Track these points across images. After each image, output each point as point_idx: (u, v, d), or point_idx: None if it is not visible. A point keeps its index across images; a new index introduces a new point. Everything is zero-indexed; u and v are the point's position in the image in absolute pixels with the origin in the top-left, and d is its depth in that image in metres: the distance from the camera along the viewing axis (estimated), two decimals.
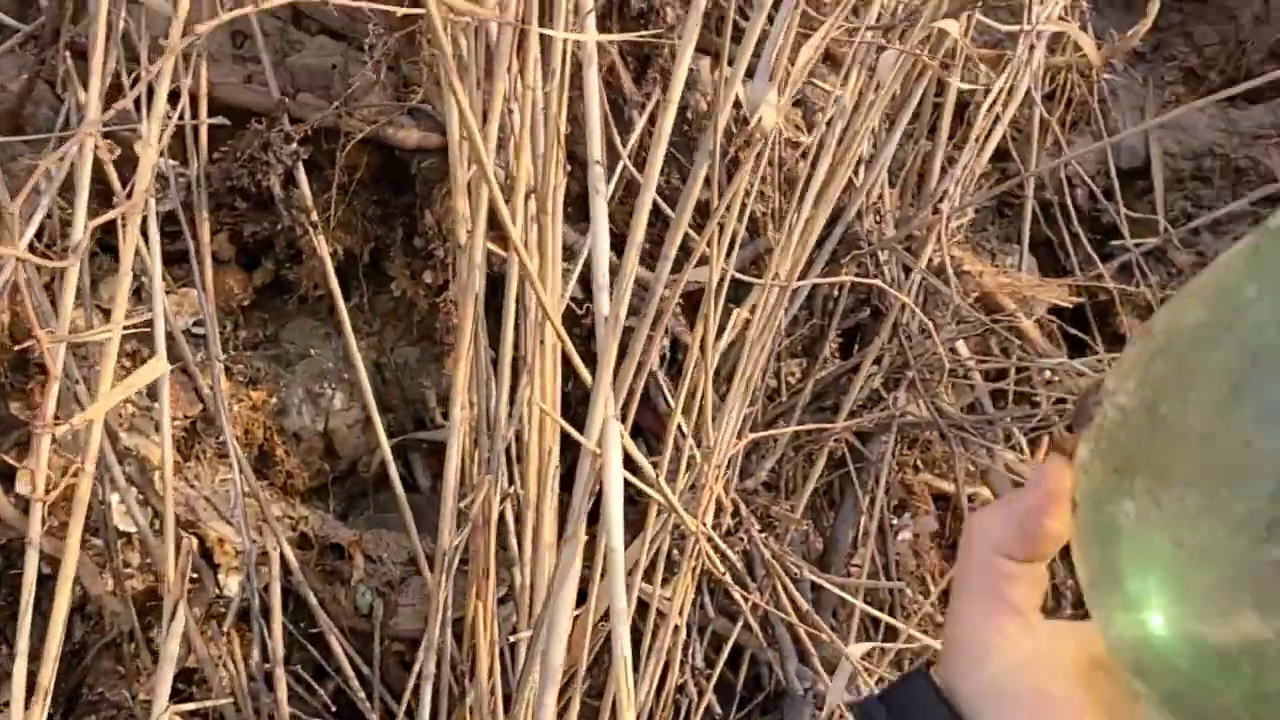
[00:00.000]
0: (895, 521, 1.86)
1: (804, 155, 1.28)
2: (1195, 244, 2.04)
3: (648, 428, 1.36)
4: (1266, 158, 2.08)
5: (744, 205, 1.12)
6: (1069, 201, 2.02)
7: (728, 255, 1.09)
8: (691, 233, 1.04)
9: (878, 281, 1.28)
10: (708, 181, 0.93)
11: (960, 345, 1.41)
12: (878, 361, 1.38)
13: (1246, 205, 2.05)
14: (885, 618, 1.36)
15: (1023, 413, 1.36)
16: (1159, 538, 0.30)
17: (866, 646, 1.20)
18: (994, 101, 1.39)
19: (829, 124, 1.24)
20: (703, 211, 1.09)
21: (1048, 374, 1.44)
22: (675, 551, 1.25)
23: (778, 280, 1.17)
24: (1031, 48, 1.36)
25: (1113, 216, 2.03)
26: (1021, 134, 1.69)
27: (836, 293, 1.39)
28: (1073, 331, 1.55)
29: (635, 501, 1.24)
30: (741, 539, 1.28)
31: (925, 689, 0.36)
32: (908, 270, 1.39)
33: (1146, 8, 1.66)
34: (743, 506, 1.28)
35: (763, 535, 1.29)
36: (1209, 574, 0.29)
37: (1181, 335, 0.31)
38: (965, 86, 1.40)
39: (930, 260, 1.37)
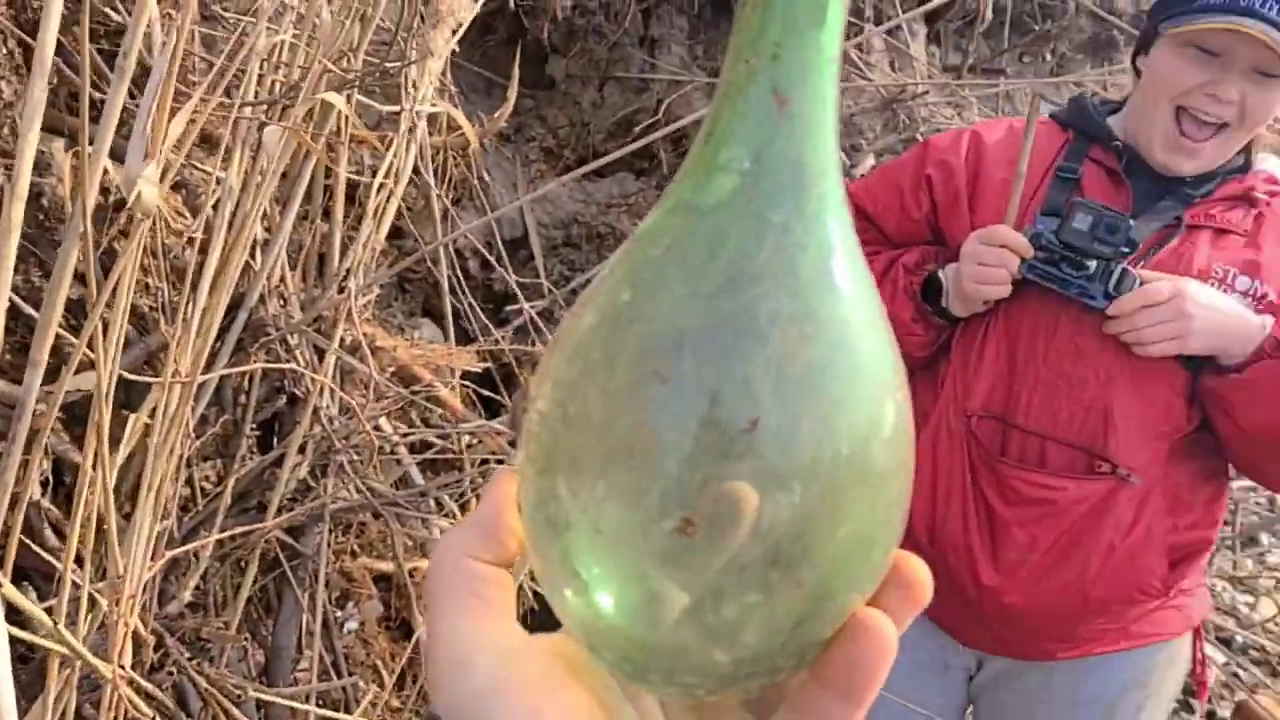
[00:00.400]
0: (339, 614, 1.79)
1: (190, 242, 1.18)
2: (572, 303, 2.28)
3: (35, 568, 1.14)
4: (619, 223, 2.40)
5: (129, 299, 0.99)
6: (460, 273, 2.14)
7: (117, 355, 0.95)
8: (66, 334, 0.89)
9: (291, 366, 1.22)
10: (80, 276, 0.80)
11: (383, 422, 1.40)
12: (302, 450, 1.32)
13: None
14: (341, 718, 1.29)
15: (451, 479, 1.38)
16: (582, 527, 0.32)
17: None
18: (383, 180, 1.41)
19: (215, 207, 1.16)
20: (77, 310, 0.94)
21: (467, 438, 1.49)
22: (90, 706, 1.06)
23: (179, 377, 1.05)
24: (412, 128, 1.41)
25: (504, 283, 2.20)
26: (413, 211, 1.75)
27: (247, 384, 1.30)
28: (486, 393, 1.63)
29: (28, 659, 1.03)
30: (170, 673, 1.13)
31: None
32: (320, 352, 1.35)
33: (507, 93, 1.81)
34: (166, 636, 1.13)
35: (194, 662, 1.15)
36: (626, 552, 0.31)
37: (579, 339, 0.32)
38: (350, 171, 1.40)
39: (343, 340, 1.34)
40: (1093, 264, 1.23)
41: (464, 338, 1.93)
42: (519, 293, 1.91)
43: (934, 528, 1.39)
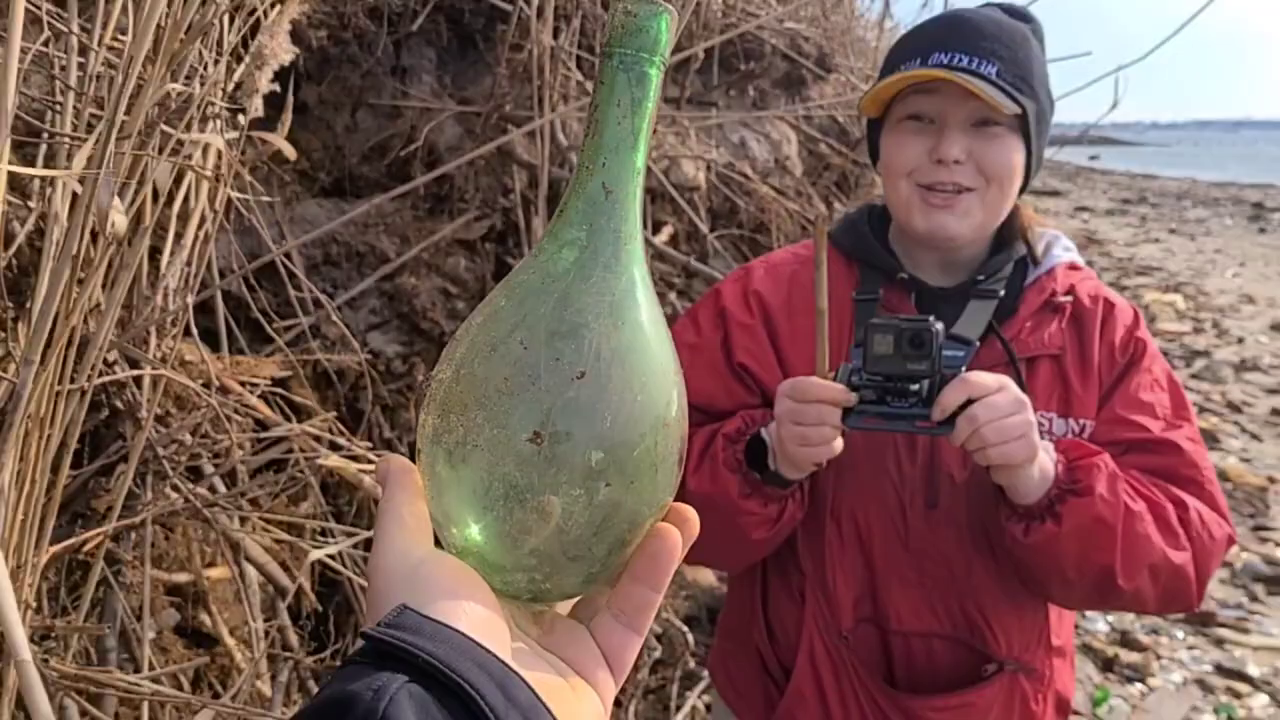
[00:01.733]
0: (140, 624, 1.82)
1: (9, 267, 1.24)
2: (343, 318, 2.39)
3: None
4: (378, 241, 2.53)
5: None
6: (219, 293, 2.21)
7: None
8: None
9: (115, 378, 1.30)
10: None
11: (203, 428, 1.49)
12: (125, 459, 1.39)
13: (372, 283, 2.48)
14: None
15: (269, 479, 1.49)
16: (466, 444, 0.48)
17: None
18: (193, 207, 1.50)
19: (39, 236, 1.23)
20: None
21: (300, 448, 1.60)
22: None
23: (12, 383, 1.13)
24: (221, 156, 1.51)
25: (268, 302, 2.29)
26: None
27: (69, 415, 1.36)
28: (294, 397, 1.74)
29: None
30: None
31: (410, 613, 0.44)
32: (135, 365, 1.43)
33: (283, 117, 1.92)
34: None
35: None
36: (495, 458, 0.47)
37: (470, 333, 0.50)
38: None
39: (158, 354, 1.43)
40: (919, 385, 1.12)
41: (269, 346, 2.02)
42: (297, 309, 2.01)
43: None
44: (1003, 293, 1.27)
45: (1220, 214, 21.24)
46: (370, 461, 1.58)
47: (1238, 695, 3.43)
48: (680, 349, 1.33)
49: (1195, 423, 1.29)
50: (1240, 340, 8.85)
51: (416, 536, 0.47)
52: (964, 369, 1.14)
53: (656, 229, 2.75)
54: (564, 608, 0.54)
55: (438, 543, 0.50)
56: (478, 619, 0.44)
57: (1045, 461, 1.13)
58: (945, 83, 1.19)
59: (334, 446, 1.74)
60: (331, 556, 1.48)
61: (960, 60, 1.20)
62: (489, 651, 0.43)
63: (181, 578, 1.81)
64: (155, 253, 1.69)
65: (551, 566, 0.49)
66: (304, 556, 1.91)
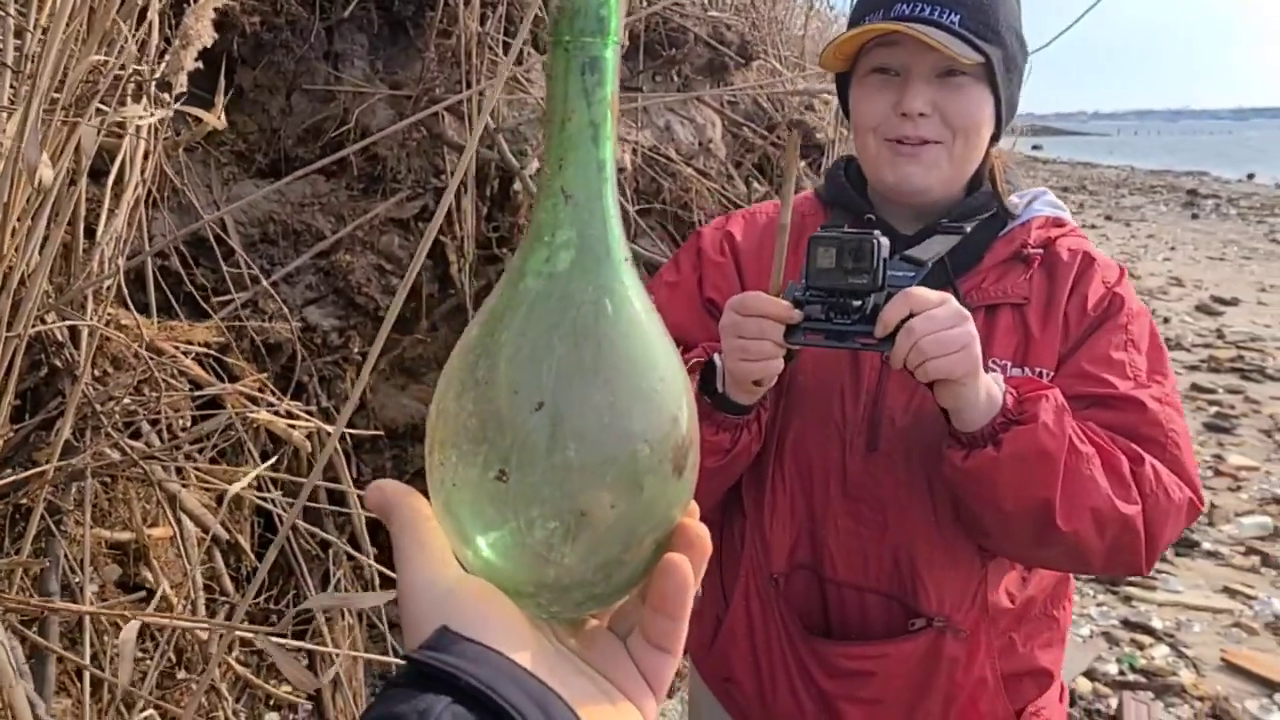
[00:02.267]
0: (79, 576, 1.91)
1: None
2: (279, 294, 2.49)
3: None
4: (314, 220, 2.62)
5: None
6: (158, 271, 2.30)
7: None
8: None
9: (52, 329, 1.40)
10: None
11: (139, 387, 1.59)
12: (63, 414, 1.49)
13: (308, 259, 2.57)
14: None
15: (201, 433, 1.60)
16: (447, 483, 0.47)
17: None
18: (130, 179, 1.60)
19: None
20: None
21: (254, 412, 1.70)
22: None
23: None
24: (155, 133, 1.61)
25: (208, 278, 2.38)
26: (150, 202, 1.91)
27: (7, 361, 1.46)
28: (228, 360, 1.84)
29: None
30: None
31: (450, 634, 0.44)
32: (73, 330, 1.52)
33: (216, 99, 2.01)
34: None
35: None
36: (472, 497, 0.46)
37: (453, 355, 0.48)
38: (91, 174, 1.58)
39: (95, 318, 1.53)
40: (861, 301, 1.09)
41: (202, 316, 2.11)
42: (228, 283, 2.11)
43: (766, 703, 1.31)
44: (968, 229, 1.24)
45: (1156, 201, 21.82)
46: (298, 418, 1.68)
47: (1141, 647, 3.64)
48: (661, 288, 1.39)
49: (1172, 387, 1.23)
50: (1166, 320, 9.19)
51: (441, 557, 0.47)
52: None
53: None
54: (600, 618, 0.53)
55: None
56: (514, 638, 0.45)
57: (994, 389, 1.10)
58: (906, 35, 1.16)
59: (270, 409, 1.85)
60: (263, 497, 1.58)
61: (921, 10, 1.17)
62: (528, 672, 0.43)
63: (123, 536, 1.91)
64: (91, 232, 1.78)
65: (551, 594, 0.48)
66: (243, 512, 2.01)
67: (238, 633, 1.87)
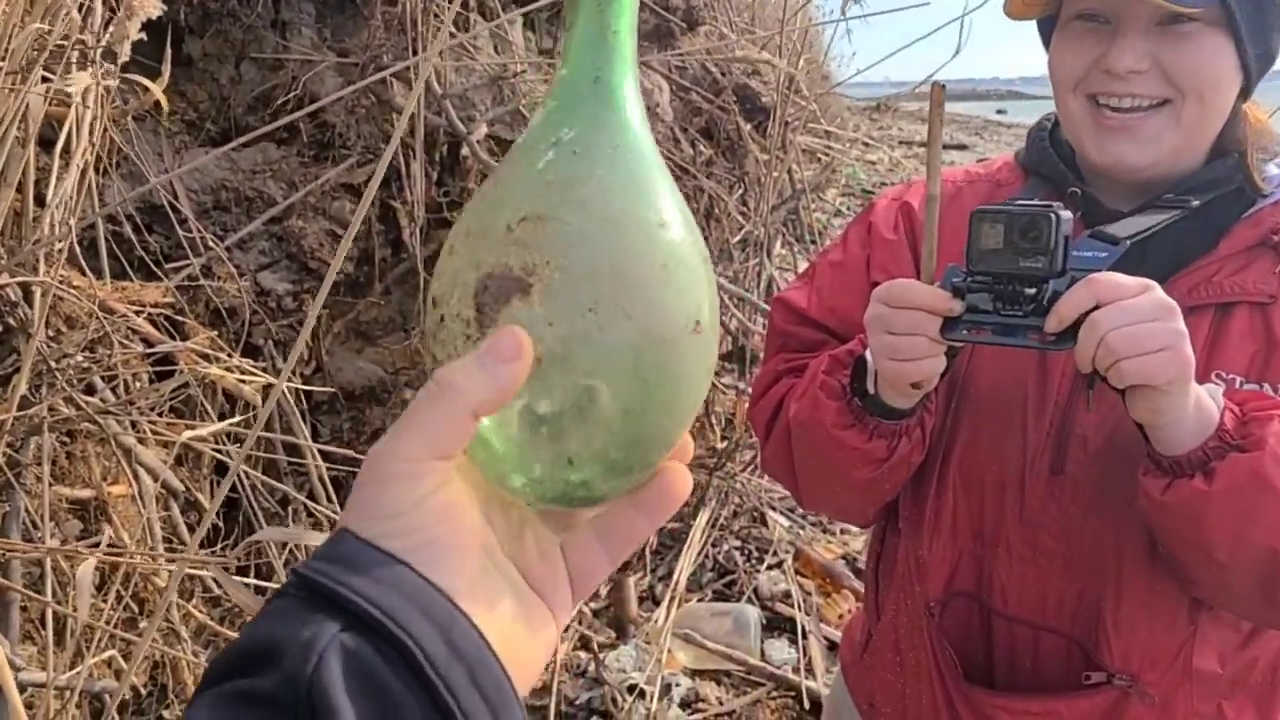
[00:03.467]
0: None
1: None
2: (234, 260, 2.55)
3: None
4: (265, 187, 2.68)
5: None
6: (111, 238, 2.35)
7: None
8: None
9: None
10: None
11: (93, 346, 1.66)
12: (17, 370, 1.56)
13: (260, 225, 2.63)
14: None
15: (153, 389, 1.67)
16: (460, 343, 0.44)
17: None
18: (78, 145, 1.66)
19: None
20: None
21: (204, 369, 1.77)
22: None
23: None
24: (103, 100, 1.67)
25: (161, 244, 2.44)
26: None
27: None
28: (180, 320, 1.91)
29: None
30: None
31: (351, 540, 0.39)
32: (26, 289, 1.59)
33: (163, 68, 2.06)
34: None
35: None
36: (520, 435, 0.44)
37: (481, 211, 0.45)
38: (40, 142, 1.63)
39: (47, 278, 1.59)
40: (1036, 289, 0.91)
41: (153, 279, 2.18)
42: (186, 248, 2.17)
43: None
44: (1196, 203, 1.01)
45: None
46: (250, 373, 1.76)
47: None
48: (825, 269, 1.22)
49: None
50: None
51: (434, 451, 0.41)
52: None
53: None
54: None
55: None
56: (444, 552, 0.40)
57: (1208, 405, 0.89)
58: None
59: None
60: (219, 450, 1.66)
61: None
62: (438, 590, 0.39)
63: (84, 493, 1.98)
64: (41, 199, 1.84)
65: (563, 495, 0.45)
66: (203, 470, 2.09)
67: (198, 578, 1.95)
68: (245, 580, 1.91)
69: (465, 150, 2.79)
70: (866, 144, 9.81)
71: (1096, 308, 0.86)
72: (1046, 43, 1.09)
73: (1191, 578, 0.98)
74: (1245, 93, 1.04)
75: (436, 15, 2.66)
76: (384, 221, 2.86)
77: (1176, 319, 0.86)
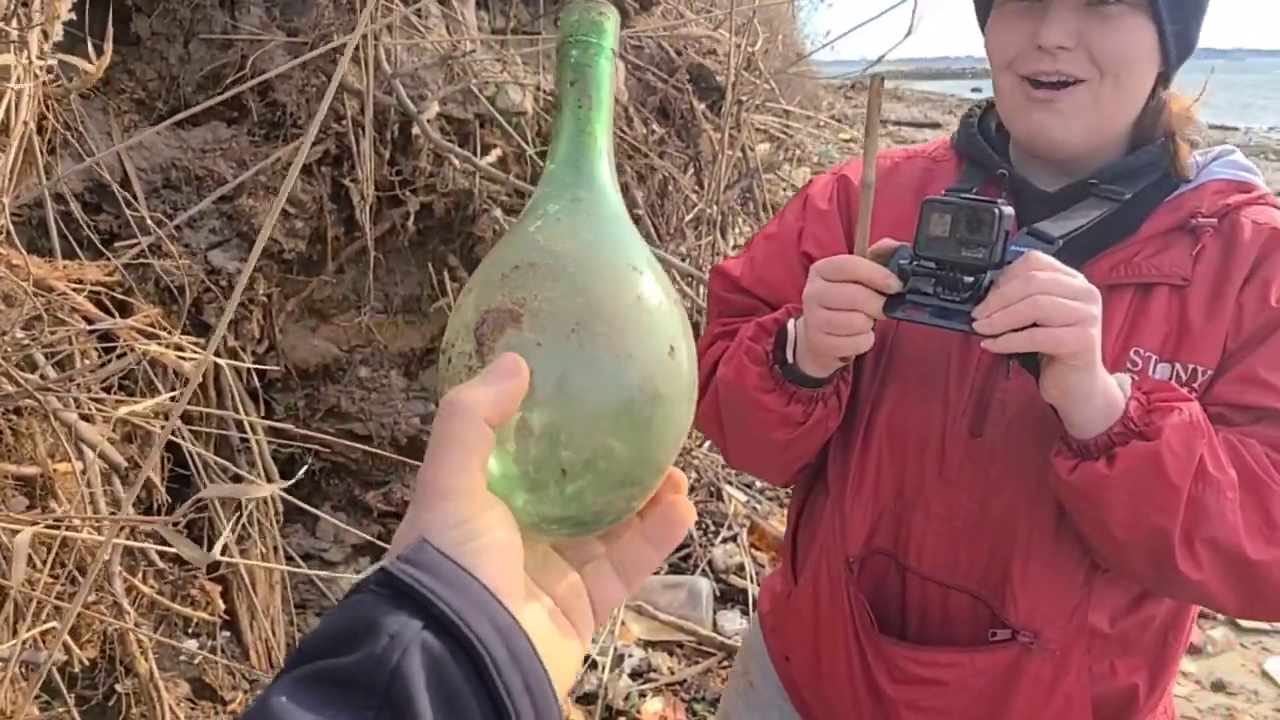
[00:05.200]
0: None
1: None
2: (181, 238, 2.56)
3: None
4: (215, 165, 2.68)
5: None
6: (76, 210, 2.36)
7: None
8: None
9: None
10: None
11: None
12: None
13: (210, 204, 2.63)
14: None
15: (94, 364, 1.69)
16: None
17: None
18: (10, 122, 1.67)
19: None
20: None
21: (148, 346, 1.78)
22: None
23: None
24: (37, 78, 1.68)
25: (111, 223, 2.45)
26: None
27: None
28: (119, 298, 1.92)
29: None
30: None
31: (430, 550, 0.43)
32: None
33: (102, 47, 2.06)
34: None
35: None
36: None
37: (481, 271, 0.53)
38: None
39: None
40: (974, 277, 0.96)
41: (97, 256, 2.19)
42: (134, 228, 2.18)
43: (821, 693, 1.23)
44: (1128, 196, 1.05)
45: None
46: (188, 349, 1.78)
47: None
48: (761, 240, 1.28)
49: None
50: None
51: (468, 460, 0.45)
52: None
53: (485, 151, 2.96)
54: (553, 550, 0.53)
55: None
56: (498, 564, 0.44)
57: (1114, 392, 0.94)
58: None
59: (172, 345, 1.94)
60: (175, 433, 1.67)
61: None
62: (500, 603, 0.43)
63: (29, 470, 2.00)
64: None
65: (564, 524, 0.50)
66: (152, 445, 2.11)
67: (142, 553, 1.97)
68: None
69: (416, 129, 2.80)
70: (839, 121, 9.84)
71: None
72: (982, 24, 1.13)
73: (1096, 552, 1.04)
74: (1165, 79, 1.08)
75: None
76: (336, 200, 2.87)
77: (1096, 305, 0.91)
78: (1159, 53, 1.04)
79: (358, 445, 2.52)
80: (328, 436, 2.38)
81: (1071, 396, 0.93)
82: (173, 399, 1.82)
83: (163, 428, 1.67)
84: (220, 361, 1.26)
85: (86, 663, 1.87)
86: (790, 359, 1.07)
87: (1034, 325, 0.90)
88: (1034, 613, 1.08)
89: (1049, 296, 0.89)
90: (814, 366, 1.05)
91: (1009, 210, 0.95)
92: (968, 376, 1.10)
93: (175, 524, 2.22)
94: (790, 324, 1.08)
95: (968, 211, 0.94)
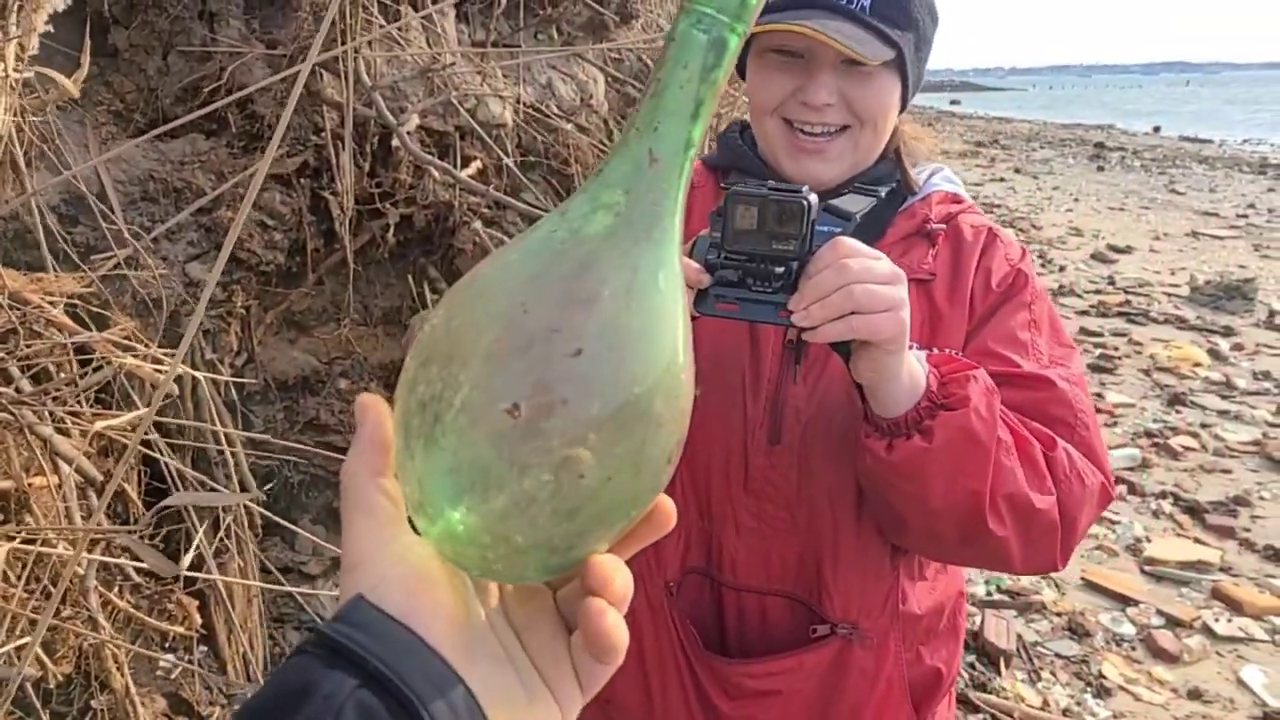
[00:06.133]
0: None
1: None
2: (159, 250, 2.55)
3: None
4: (194, 178, 2.68)
5: None
6: (52, 222, 2.35)
7: None
8: None
9: None
10: None
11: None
12: None
13: (189, 216, 2.63)
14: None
15: (70, 377, 1.68)
16: (443, 400, 0.43)
17: None
18: None
19: None
20: None
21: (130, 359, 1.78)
22: None
23: None
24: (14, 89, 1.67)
25: (87, 235, 2.44)
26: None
27: None
28: (96, 311, 1.91)
29: None
30: None
31: (366, 607, 0.43)
32: None
33: (80, 59, 2.06)
34: None
35: None
36: (470, 424, 0.42)
37: (473, 281, 0.46)
38: None
39: None
40: (784, 267, 0.95)
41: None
42: (110, 242, 2.17)
43: None
44: (883, 193, 1.16)
45: (1065, 154, 22.41)
46: (164, 363, 1.77)
47: None
48: None
49: (1078, 367, 1.16)
50: (1062, 269, 9.56)
51: (388, 522, 0.46)
52: None
53: (465, 163, 2.96)
54: (545, 601, 0.51)
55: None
56: (438, 617, 0.44)
57: (916, 370, 0.99)
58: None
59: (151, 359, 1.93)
60: (145, 440, 1.67)
61: None
62: (439, 656, 0.43)
63: (3, 484, 1.98)
64: None
65: (506, 547, 0.44)
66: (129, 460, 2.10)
67: (118, 568, 1.96)
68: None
69: (396, 141, 2.81)
70: None
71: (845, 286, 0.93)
72: (742, 69, 1.21)
73: (903, 526, 1.08)
74: (901, 108, 1.20)
75: (365, 8, 2.67)
76: (315, 212, 2.87)
77: (904, 287, 0.94)
78: (900, 98, 1.17)
79: (336, 455, 2.51)
80: (305, 446, 2.38)
81: (883, 377, 0.97)
82: (146, 413, 1.82)
83: (133, 437, 1.67)
84: (197, 374, 1.26)
85: (61, 678, 1.85)
86: None
87: (851, 314, 0.91)
88: (849, 605, 1.14)
89: (862, 285, 0.91)
90: None
91: (814, 198, 0.96)
92: (761, 386, 1.14)
93: (149, 537, 2.21)
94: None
95: (776, 204, 0.94)
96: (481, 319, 0.43)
